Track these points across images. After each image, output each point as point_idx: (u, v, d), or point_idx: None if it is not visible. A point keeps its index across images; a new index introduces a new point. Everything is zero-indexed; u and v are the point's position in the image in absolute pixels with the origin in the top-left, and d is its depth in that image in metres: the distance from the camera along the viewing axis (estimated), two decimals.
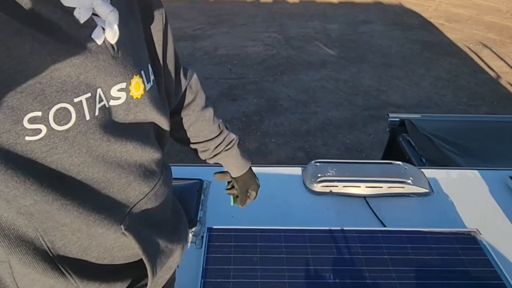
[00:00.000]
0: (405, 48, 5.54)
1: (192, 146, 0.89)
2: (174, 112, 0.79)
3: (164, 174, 0.61)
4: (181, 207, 0.76)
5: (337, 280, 1.10)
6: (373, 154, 3.46)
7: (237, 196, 1.06)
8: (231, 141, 0.90)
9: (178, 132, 0.84)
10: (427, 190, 1.44)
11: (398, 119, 2.09)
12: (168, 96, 0.69)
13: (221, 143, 0.88)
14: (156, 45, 0.61)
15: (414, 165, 1.70)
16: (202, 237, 1.22)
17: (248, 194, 1.03)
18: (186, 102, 0.80)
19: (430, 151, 1.87)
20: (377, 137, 3.72)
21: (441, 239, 1.22)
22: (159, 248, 0.59)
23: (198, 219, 1.30)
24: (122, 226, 0.51)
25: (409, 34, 6.00)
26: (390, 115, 2.12)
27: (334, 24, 6.38)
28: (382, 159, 2.29)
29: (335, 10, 7.08)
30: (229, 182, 1.06)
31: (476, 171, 1.56)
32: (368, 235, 1.23)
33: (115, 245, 0.53)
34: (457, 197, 1.44)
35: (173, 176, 1.49)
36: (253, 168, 1.59)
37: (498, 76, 4.75)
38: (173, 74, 0.70)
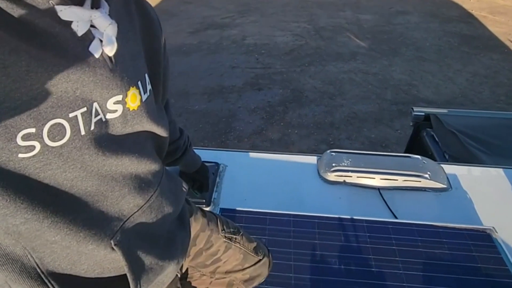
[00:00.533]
0: (441, 41, 5.31)
1: None
2: None
3: (162, 185, 0.60)
4: (187, 215, 0.74)
5: (342, 266, 1.11)
6: (399, 150, 3.37)
7: (199, 187, 1.16)
8: (188, 137, 0.94)
9: None
10: (444, 186, 1.40)
11: (423, 113, 2.03)
12: None
13: (186, 139, 0.91)
14: (156, 54, 0.61)
15: (436, 161, 1.66)
16: None
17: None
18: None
19: (454, 147, 1.81)
20: (404, 132, 3.61)
21: (453, 235, 1.19)
22: (148, 264, 0.57)
23: (212, 200, 1.34)
24: (112, 241, 0.50)
25: (447, 27, 5.73)
26: (415, 108, 2.06)
27: (367, 14, 6.20)
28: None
29: (369, 0, 6.87)
30: (188, 182, 1.11)
31: (500, 169, 1.50)
32: (378, 225, 1.23)
33: (105, 259, 0.52)
34: (476, 194, 1.40)
35: None
36: (269, 155, 1.62)
37: None
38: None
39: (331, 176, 1.44)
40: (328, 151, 1.54)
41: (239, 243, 0.86)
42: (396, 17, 6.13)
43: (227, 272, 0.87)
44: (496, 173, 1.49)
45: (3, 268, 0.44)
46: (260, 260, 0.90)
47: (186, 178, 1.04)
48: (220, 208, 1.30)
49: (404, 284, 1.06)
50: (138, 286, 0.55)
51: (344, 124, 3.74)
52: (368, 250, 1.16)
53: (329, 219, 1.25)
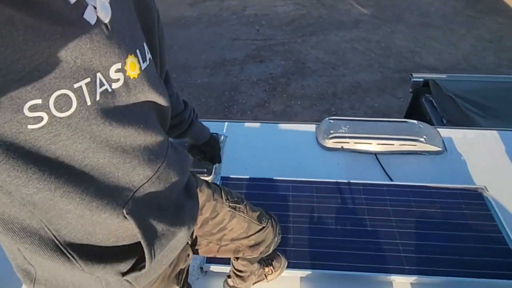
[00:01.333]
0: (446, 6, 5.17)
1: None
2: None
3: (169, 157, 0.61)
4: (194, 184, 0.77)
5: (339, 227, 1.17)
6: (400, 118, 3.40)
7: (211, 158, 1.16)
8: (193, 109, 0.95)
9: None
10: (440, 149, 1.44)
11: (422, 79, 2.04)
12: None
13: (191, 111, 0.92)
14: (150, 26, 0.60)
15: (434, 125, 1.69)
16: None
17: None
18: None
19: (452, 112, 1.83)
20: (406, 100, 3.60)
21: (446, 194, 1.25)
22: (160, 231, 0.58)
23: (214, 169, 1.40)
24: (124, 210, 0.51)
25: None
26: (414, 75, 2.07)
27: None
28: None
29: None
30: (199, 154, 1.11)
31: (494, 132, 1.53)
32: (374, 188, 1.28)
33: (119, 228, 0.53)
34: (471, 156, 1.44)
35: None
36: (268, 124, 1.66)
37: None
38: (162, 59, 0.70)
39: (329, 143, 1.48)
40: (326, 118, 1.58)
41: (243, 212, 0.90)
42: None
43: (232, 240, 0.91)
44: (490, 135, 1.52)
45: (23, 241, 0.47)
46: (264, 227, 0.94)
47: (196, 150, 1.06)
48: (221, 177, 1.36)
49: (398, 241, 1.13)
50: (152, 251, 0.57)
51: (347, 94, 3.74)
52: (363, 211, 1.22)
53: (327, 184, 1.31)
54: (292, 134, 1.58)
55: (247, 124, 1.65)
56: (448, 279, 1.03)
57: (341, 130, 1.50)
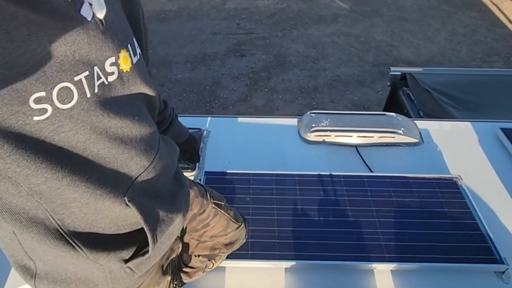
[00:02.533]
0: (422, 0, 5.29)
1: None
2: None
3: (161, 148, 0.64)
4: (183, 174, 0.80)
5: (321, 218, 1.20)
6: (379, 111, 3.47)
7: (190, 158, 1.19)
8: (173, 109, 0.97)
9: None
10: (417, 140, 1.49)
11: (399, 73, 2.09)
12: None
13: (171, 110, 0.94)
14: (137, 21, 0.63)
15: (411, 118, 1.74)
16: (200, 179, 1.33)
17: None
18: None
19: (428, 105, 1.89)
20: (385, 94, 3.66)
21: (423, 184, 1.29)
22: (159, 217, 0.62)
23: (197, 164, 1.40)
24: (125, 198, 0.54)
25: None
26: (392, 68, 2.12)
27: None
28: None
29: None
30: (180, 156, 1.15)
31: (468, 123, 1.59)
32: (355, 179, 1.32)
33: (120, 216, 0.56)
34: (446, 147, 1.49)
35: None
36: (251, 118, 1.67)
37: None
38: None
39: (311, 136, 1.51)
40: (308, 112, 1.60)
41: (223, 210, 0.94)
42: None
43: (212, 237, 0.94)
44: (464, 127, 1.58)
45: (29, 230, 0.48)
46: (239, 226, 0.98)
47: None
48: (205, 172, 1.36)
49: (378, 230, 1.17)
50: (155, 236, 0.60)
51: (328, 87, 3.78)
52: (345, 202, 1.25)
53: (309, 176, 1.33)
54: (275, 128, 1.59)
55: (230, 119, 1.66)
56: (426, 265, 1.07)
57: (322, 124, 1.53)
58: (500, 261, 1.08)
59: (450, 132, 1.57)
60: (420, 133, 1.53)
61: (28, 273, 0.59)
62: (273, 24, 4.76)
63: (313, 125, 1.53)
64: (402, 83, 2.08)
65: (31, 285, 0.61)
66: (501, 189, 1.32)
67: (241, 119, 1.65)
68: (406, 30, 4.60)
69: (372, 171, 1.39)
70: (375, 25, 4.71)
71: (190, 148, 1.12)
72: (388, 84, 2.17)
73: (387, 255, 1.10)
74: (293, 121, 1.62)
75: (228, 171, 1.35)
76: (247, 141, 1.53)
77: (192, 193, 0.82)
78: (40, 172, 0.44)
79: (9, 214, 0.47)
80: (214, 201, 0.90)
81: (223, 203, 0.93)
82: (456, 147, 1.49)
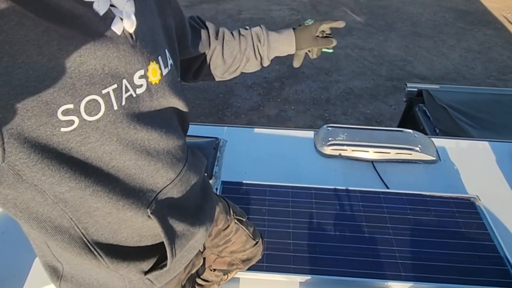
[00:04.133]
0: (437, 16, 5.29)
1: (239, 64, 0.86)
2: (199, 56, 0.81)
3: (189, 160, 0.64)
4: (211, 186, 0.79)
5: (337, 233, 1.20)
6: (393, 125, 3.45)
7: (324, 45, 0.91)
8: (260, 27, 0.87)
9: (218, 67, 0.84)
10: (434, 158, 1.49)
11: (415, 89, 2.09)
12: (187, 49, 0.73)
13: (258, 33, 0.85)
14: (170, 31, 0.63)
15: (427, 135, 1.74)
16: (217, 189, 1.34)
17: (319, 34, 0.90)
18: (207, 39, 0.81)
19: (444, 122, 1.88)
20: (398, 108, 3.68)
21: (440, 203, 1.29)
22: (181, 231, 0.61)
23: (214, 173, 1.41)
24: (148, 210, 0.54)
25: (443, 2, 5.69)
26: (408, 84, 2.12)
27: None
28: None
29: None
30: (307, 52, 0.94)
31: (486, 142, 1.58)
32: (371, 195, 1.32)
33: (143, 227, 0.56)
34: (463, 166, 1.48)
35: (193, 134, 1.58)
36: (268, 129, 1.69)
37: None
38: (188, 37, 0.74)
39: (327, 150, 1.51)
40: (325, 126, 1.61)
41: (244, 226, 0.93)
42: None
43: (231, 252, 0.94)
44: (482, 146, 1.57)
45: (54, 238, 0.50)
46: (257, 243, 0.98)
47: (300, 55, 0.92)
48: (222, 181, 1.37)
49: (394, 248, 1.16)
50: (173, 250, 0.60)
51: (340, 100, 3.79)
52: (361, 218, 1.25)
53: (325, 190, 1.33)
54: (291, 140, 1.60)
55: (246, 129, 1.67)
56: (443, 285, 1.06)
57: (339, 138, 1.53)
58: None
59: (467, 151, 1.56)
60: (437, 151, 1.52)
61: (55, 274, 0.61)
62: None
63: (329, 138, 1.53)
64: (418, 99, 2.08)
65: (56, 286, 0.63)
66: None
67: (257, 130, 1.66)
68: (421, 46, 4.59)
69: (388, 188, 1.39)
70: (390, 40, 4.72)
71: (307, 45, 0.90)
72: (404, 99, 2.17)
73: (403, 273, 1.09)
74: (310, 134, 1.62)
75: (244, 182, 1.36)
76: (263, 152, 1.54)
77: (217, 208, 0.81)
78: (64, 181, 0.45)
79: (36, 222, 0.48)
80: (237, 217, 0.90)
81: (244, 219, 0.93)
82: (473, 166, 1.49)
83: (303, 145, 1.58)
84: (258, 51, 0.86)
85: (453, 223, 1.22)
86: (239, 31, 0.86)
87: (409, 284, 1.07)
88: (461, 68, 4.22)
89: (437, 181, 1.43)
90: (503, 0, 5.71)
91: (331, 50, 0.90)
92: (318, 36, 0.88)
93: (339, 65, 4.24)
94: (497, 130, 1.86)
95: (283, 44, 0.88)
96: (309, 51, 0.91)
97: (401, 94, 3.76)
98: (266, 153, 1.53)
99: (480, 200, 1.29)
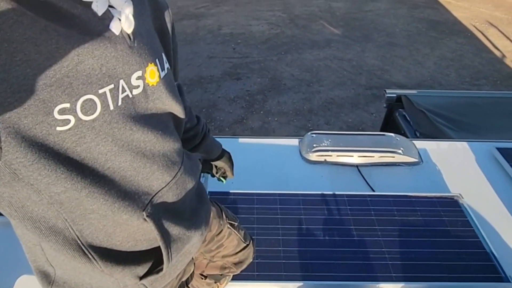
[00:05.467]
0: (410, 27, 5.50)
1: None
2: None
3: (185, 163, 0.63)
4: (205, 191, 0.78)
5: (327, 238, 1.20)
6: (375, 132, 3.52)
7: (224, 173, 1.12)
8: (206, 123, 0.96)
9: None
10: (416, 160, 1.52)
11: (395, 95, 2.15)
12: None
13: (204, 125, 0.93)
14: (167, 37, 0.64)
15: (408, 138, 1.78)
16: None
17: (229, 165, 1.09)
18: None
19: (424, 125, 1.94)
20: (379, 116, 3.76)
21: (425, 203, 1.31)
22: (177, 235, 0.61)
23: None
24: (144, 213, 0.54)
25: (415, 13, 5.93)
26: (387, 90, 2.18)
27: (339, 2, 6.32)
28: None
29: None
30: (212, 170, 1.10)
31: (465, 143, 1.63)
32: (358, 199, 1.33)
33: (138, 231, 0.55)
34: (445, 166, 1.52)
35: None
36: (253, 139, 1.69)
37: (503, 56, 4.72)
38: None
39: (313, 156, 1.53)
40: (309, 133, 1.62)
41: (236, 230, 0.93)
42: (366, 4, 6.28)
43: (223, 256, 0.93)
44: (461, 146, 1.62)
45: (48, 239, 0.49)
46: (247, 245, 0.98)
47: (209, 166, 1.05)
48: (209, 191, 1.36)
49: (384, 249, 1.17)
50: (169, 254, 0.59)
51: (322, 110, 3.85)
52: (349, 222, 1.25)
53: (313, 196, 1.34)
54: (276, 149, 1.61)
55: (231, 139, 1.67)
56: (433, 284, 1.07)
57: (323, 144, 1.55)
58: (506, 279, 1.08)
59: (447, 152, 1.60)
60: (419, 152, 1.56)
61: (47, 279, 0.59)
62: (267, 49, 4.87)
63: (314, 145, 1.55)
64: (397, 104, 2.13)
65: None
66: (501, 207, 1.34)
67: (242, 139, 1.66)
68: (397, 55, 4.75)
69: (374, 190, 1.41)
70: (367, 50, 4.86)
71: (223, 164, 1.07)
72: (384, 105, 2.23)
73: (394, 274, 1.09)
74: (294, 141, 1.64)
75: (232, 191, 1.35)
76: (249, 161, 1.54)
77: (211, 214, 0.81)
78: (60, 182, 0.44)
79: (30, 222, 0.47)
80: (229, 221, 0.90)
81: (236, 223, 0.93)
82: (454, 166, 1.52)
83: (288, 152, 1.59)
84: (203, 134, 0.93)
85: (439, 222, 1.24)
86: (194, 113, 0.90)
87: (400, 284, 1.08)
88: (436, 75, 4.37)
89: (420, 182, 1.46)
90: (471, 10, 5.99)
91: (225, 182, 1.13)
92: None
93: (319, 76, 4.33)
94: (474, 131, 1.92)
95: (216, 145, 1.01)
96: (221, 168, 1.08)
97: (381, 102, 3.85)
98: (252, 162, 1.53)
99: (463, 198, 1.33)
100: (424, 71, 4.44)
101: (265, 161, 1.54)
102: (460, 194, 1.34)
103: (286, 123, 3.67)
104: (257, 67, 4.47)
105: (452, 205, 1.30)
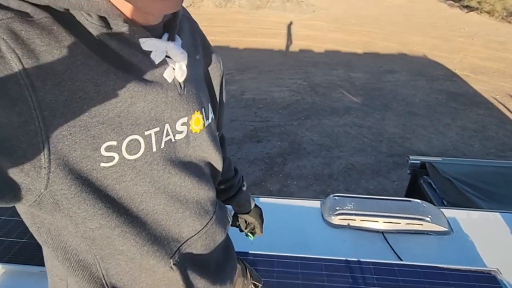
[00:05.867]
0: (430, 97, 5.60)
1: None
2: None
3: (217, 214, 0.63)
4: (233, 246, 0.78)
5: None
6: None
7: (253, 229, 1.11)
8: (242, 177, 0.97)
9: None
10: (446, 229, 1.44)
11: (418, 161, 2.12)
12: None
13: (240, 178, 0.95)
14: (215, 89, 0.68)
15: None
16: None
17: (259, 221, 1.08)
18: None
19: (451, 193, 1.87)
20: (401, 184, 3.68)
21: (459, 276, 1.21)
22: (201, 287, 0.60)
23: None
24: (171, 260, 0.54)
25: (434, 85, 6.08)
26: (411, 157, 2.16)
27: (358, 73, 6.59)
28: None
29: (360, 60, 7.33)
30: (242, 224, 1.09)
31: (497, 213, 1.55)
32: (385, 267, 1.24)
33: (162, 279, 0.55)
34: (477, 237, 1.43)
35: None
36: (275, 199, 1.67)
37: None
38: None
39: (335, 220, 1.47)
40: (331, 195, 1.59)
41: None
42: (385, 75, 6.52)
43: None
44: (493, 217, 1.54)
45: (76, 273, 0.49)
46: None
47: (239, 220, 1.05)
48: None
49: None
50: None
51: (342, 175, 3.81)
52: None
53: (336, 261, 1.26)
54: (298, 210, 1.57)
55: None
56: None
57: (346, 207, 1.50)
58: None
59: (479, 222, 1.52)
60: (448, 221, 1.48)
61: None
62: (288, 114, 5.02)
63: (337, 208, 1.50)
64: (422, 171, 2.09)
65: None
66: None
67: (263, 199, 1.64)
68: (417, 124, 4.78)
69: (401, 259, 1.32)
70: (387, 118, 4.92)
71: (253, 220, 1.07)
72: (408, 172, 2.19)
73: None
74: (316, 203, 1.60)
75: (251, 252, 1.30)
76: (269, 221, 1.49)
77: (236, 271, 0.78)
78: (96, 218, 0.45)
79: (63, 252, 0.48)
80: (253, 281, 0.86)
81: (260, 285, 0.88)
82: (488, 238, 1.43)
83: (310, 215, 1.54)
84: (238, 187, 0.94)
85: None
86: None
87: None
88: (459, 145, 4.32)
89: (451, 253, 1.36)
90: (490, 84, 6.10)
91: (253, 238, 1.12)
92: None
93: (339, 142, 4.36)
94: (505, 201, 1.83)
95: (248, 199, 1.01)
96: (251, 223, 1.08)
97: (403, 170, 3.80)
98: (272, 223, 1.48)
99: (501, 274, 1.22)
100: (447, 140, 4.42)
101: (285, 222, 1.50)
102: (497, 269, 1.23)
103: (305, 187, 3.63)
104: (277, 131, 4.57)
105: (490, 281, 1.19)
